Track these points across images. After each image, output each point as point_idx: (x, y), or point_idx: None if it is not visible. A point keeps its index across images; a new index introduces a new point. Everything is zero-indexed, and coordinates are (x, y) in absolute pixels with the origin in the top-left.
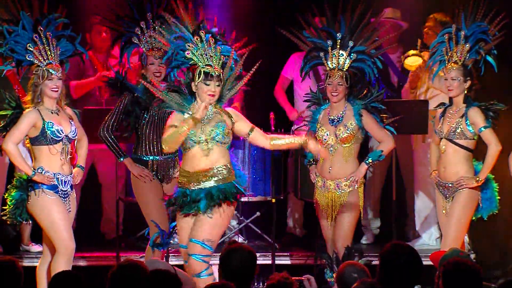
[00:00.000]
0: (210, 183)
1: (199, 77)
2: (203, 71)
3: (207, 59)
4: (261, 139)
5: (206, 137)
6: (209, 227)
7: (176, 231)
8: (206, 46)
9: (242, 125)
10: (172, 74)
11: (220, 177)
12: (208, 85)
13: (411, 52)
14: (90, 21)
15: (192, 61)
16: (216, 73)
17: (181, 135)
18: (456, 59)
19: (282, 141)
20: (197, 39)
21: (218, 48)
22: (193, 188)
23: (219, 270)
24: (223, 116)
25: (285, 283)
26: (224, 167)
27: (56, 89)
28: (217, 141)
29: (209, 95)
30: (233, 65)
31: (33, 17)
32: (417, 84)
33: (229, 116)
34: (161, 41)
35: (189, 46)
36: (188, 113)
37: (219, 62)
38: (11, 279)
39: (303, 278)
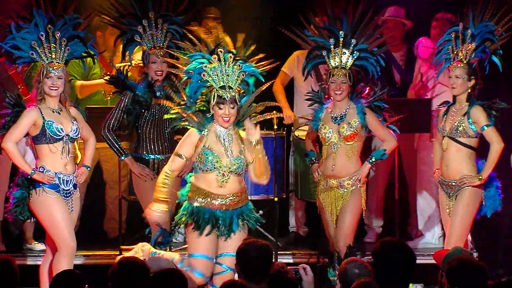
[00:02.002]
0: (230, 205)
1: (213, 100)
2: (217, 94)
3: (223, 80)
4: (252, 174)
5: (225, 169)
6: (239, 241)
7: (178, 230)
8: (223, 65)
9: (248, 155)
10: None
11: (235, 201)
12: (221, 108)
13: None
14: (101, 21)
15: (209, 83)
16: (229, 96)
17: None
18: (462, 57)
19: (256, 166)
20: (214, 58)
21: (237, 65)
22: (224, 210)
23: (236, 265)
24: (240, 144)
25: (280, 271)
26: (239, 194)
27: (55, 88)
28: (235, 173)
29: (224, 119)
30: (252, 88)
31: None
32: (425, 93)
33: (241, 140)
34: (180, 62)
35: (205, 67)
36: (206, 132)
37: (236, 81)
38: (7, 278)
39: (298, 267)
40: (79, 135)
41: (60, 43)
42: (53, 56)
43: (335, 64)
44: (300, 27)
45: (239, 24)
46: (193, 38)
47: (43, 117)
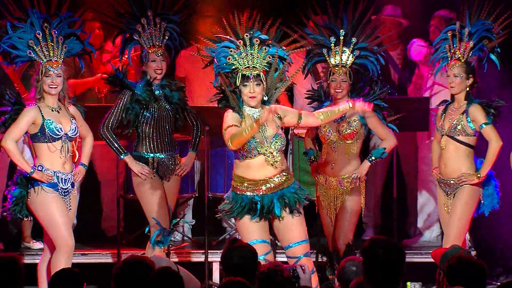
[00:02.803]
0: (274, 187)
1: (239, 81)
2: (241, 73)
3: (248, 61)
4: (311, 120)
5: (272, 149)
6: (302, 225)
7: (177, 228)
8: (249, 48)
9: (291, 117)
10: (214, 81)
11: (283, 181)
12: (246, 86)
13: (414, 41)
14: (82, 18)
15: (234, 66)
16: (254, 73)
17: (245, 137)
18: (459, 56)
19: (329, 113)
20: (240, 42)
21: (264, 49)
22: (262, 194)
23: (221, 268)
24: (276, 120)
25: (275, 270)
26: (283, 172)
27: (54, 86)
28: (280, 151)
29: (250, 97)
30: (279, 64)
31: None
32: (422, 82)
33: (277, 115)
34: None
35: (231, 51)
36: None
37: (262, 62)
38: (13, 276)
39: (296, 265)
40: (78, 134)
41: (57, 41)
42: (51, 54)
43: (335, 62)
44: (300, 25)
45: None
46: (226, 25)
47: (42, 116)
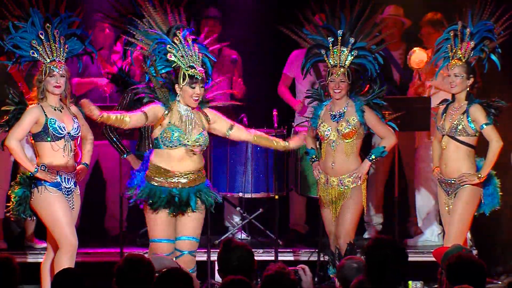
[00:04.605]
0: (187, 182)
1: (183, 80)
2: (188, 74)
3: (189, 60)
4: (243, 133)
5: (192, 142)
6: (199, 223)
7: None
8: (185, 46)
9: (220, 125)
10: (147, 77)
11: (200, 177)
12: (193, 88)
13: (416, 49)
14: (93, 18)
15: (175, 64)
16: (201, 76)
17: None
18: (460, 56)
19: (265, 139)
20: (176, 39)
21: (195, 46)
22: (180, 187)
23: (218, 269)
24: (202, 119)
25: (282, 273)
26: (200, 171)
27: (58, 86)
28: (201, 148)
29: (194, 99)
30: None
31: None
32: (423, 90)
33: (206, 117)
34: (140, 45)
35: (170, 48)
36: (168, 109)
37: (200, 62)
38: (7, 276)
39: (297, 268)
40: (80, 133)
41: (59, 41)
42: (54, 54)
43: (334, 62)
44: (299, 26)
45: (239, 23)
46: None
47: (45, 114)
